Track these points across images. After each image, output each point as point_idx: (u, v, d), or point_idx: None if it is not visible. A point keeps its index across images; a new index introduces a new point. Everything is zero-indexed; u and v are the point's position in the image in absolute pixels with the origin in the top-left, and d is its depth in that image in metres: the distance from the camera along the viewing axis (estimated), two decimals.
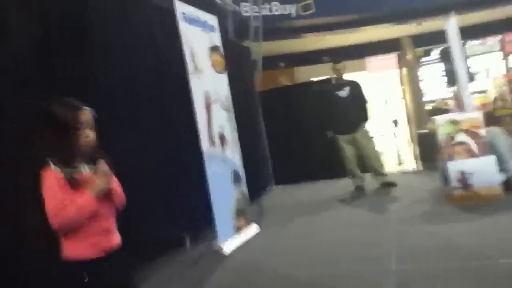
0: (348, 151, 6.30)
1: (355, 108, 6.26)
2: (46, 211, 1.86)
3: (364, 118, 6.36)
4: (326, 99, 6.58)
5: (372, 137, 6.42)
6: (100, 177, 1.94)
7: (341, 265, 3.41)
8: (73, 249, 1.93)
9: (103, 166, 1.97)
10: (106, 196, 1.99)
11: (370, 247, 3.69)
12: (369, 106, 6.49)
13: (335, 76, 6.50)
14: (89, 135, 1.98)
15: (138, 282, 3.51)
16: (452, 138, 4.81)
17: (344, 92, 6.31)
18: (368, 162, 6.35)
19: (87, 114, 1.99)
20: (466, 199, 4.56)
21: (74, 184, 1.92)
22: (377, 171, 6.33)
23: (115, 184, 2.07)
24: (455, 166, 4.70)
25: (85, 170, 1.99)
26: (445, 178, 4.90)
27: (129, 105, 4.27)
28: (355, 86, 6.37)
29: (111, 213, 2.06)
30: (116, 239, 2.06)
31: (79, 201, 1.88)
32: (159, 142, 4.67)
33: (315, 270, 3.41)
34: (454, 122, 4.86)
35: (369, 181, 6.42)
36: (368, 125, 6.47)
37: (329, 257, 3.64)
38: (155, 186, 4.49)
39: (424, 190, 5.65)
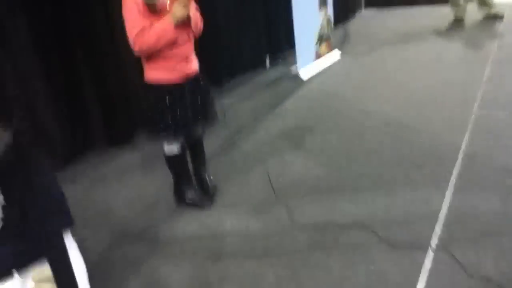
0: None
1: None
2: (127, 34, 1.92)
3: None
4: None
5: None
6: (179, 4, 1.91)
7: (421, 104, 3.32)
8: (153, 73, 2.05)
9: None
10: (184, 23, 1.98)
11: (456, 88, 3.50)
12: None
13: None
14: None
15: (219, 96, 3.77)
16: None
17: None
18: None
19: None
20: None
21: (154, 10, 1.92)
22: (486, 2, 5.60)
23: (194, 12, 2.04)
24: None
25: None
26: None
27: None
28: None
29: (190, 40, 2.08)
30: (194, 65, 2.13)
31: (158, 27, 1.91)
32: None
33: (390, 106, 3.36)
34: None
35: (473, 11, 5.76)
36: None
37: (409, 95, 3.53)
38: (241, 7, 4.41)
39: None
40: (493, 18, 5.63)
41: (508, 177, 2.21)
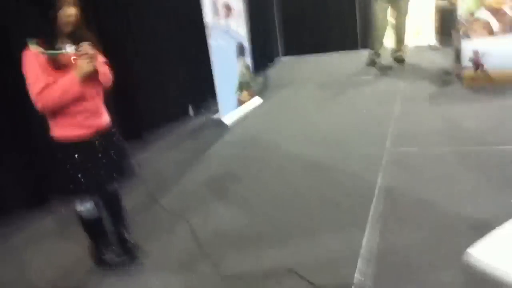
0: (383, 19, 5.87)
1: None
2: (29, 91, 1.83)
3: None
4: None
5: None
6: (83, 59, 1.86)
7: (337, 145, 3.46)
8: (60, 131, 1.95)
9: (86, 47, 1.87)
10: (91, 77, 1.93)
11: (369, 127, 3.69)
12: None
13: None
14: (70, 13, 1.84)
15: (139, 149, 3.68)
16: (472, 14, 4.48)
17: None
18: (395, 32, 6.01)
19: None
20: (477, 81, 4.42)
21: (58, 65, 1.86)
22: (400, 43, 6.03)
23: (101, 65, 1.99)
24: (470, 45, 4.46)
25: (68, 50, 1.90)
26: (458, 58, 4.70)
27: None
28: None
29: (98, 94, 2.02)
30: (103, 118, 2.06)
31: (63, 82, 1.84)
32: (164, 14, 4.47)
33: (309, 148, 3.46)
34: None
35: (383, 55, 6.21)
36: None
37: (327, 137, 3.67)
38: (161, 58, 4.43)
39: (436, 68, 5.47)
40: (398, 61, 6.09)
41: (423, 211, 2.31)
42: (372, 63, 6.18)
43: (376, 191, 2.57)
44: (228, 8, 4.64)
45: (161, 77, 4.44)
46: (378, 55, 6.16)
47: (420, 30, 9.40)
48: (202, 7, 4.13)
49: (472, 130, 3.29)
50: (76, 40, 1.91)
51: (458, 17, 4.59)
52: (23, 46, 1.84)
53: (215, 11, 4.37)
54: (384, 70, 5.84)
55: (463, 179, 2.58)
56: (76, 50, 1.89)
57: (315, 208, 2.51)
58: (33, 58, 1.82)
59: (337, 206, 2.49)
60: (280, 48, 8.07)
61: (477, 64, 4.41)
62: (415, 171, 2.78)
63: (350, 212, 2.40)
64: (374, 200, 2.48)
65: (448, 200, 2.36)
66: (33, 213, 2.88)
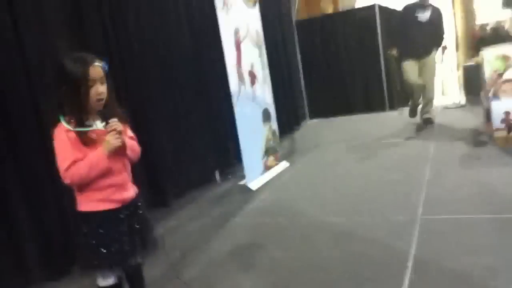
0: (414, 78, 5.90)
1: (431, 34, 5.81)
2: (58, 167, 1.87)
3: (437, 44, 6.01)
4: (405, 18, 5.96)
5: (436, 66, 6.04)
6: (111, 135, 1.91)
7: (367, 212, 3.35)
8: (86, 203, 1.95)
9: (115, 123, 1.92)
10: (119, 152, 1.96)
11: (400, 193, 3.59)
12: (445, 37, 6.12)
13: None
14: (100, 91, 1.91)
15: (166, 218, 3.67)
16: (500, 75, 4.45)
17: (424, 16, 5.78)
18: (424, 93, 6.02)
19: (98, 69, 1.89)
20: (510, 142, 4.30)
21: (87, 141, 1.89)
22: (428, 104, 6.03)
23: (129, 139, 2.03)
24: (500, 106, 4.39)
25: (98, 126, 1.95)
26: (488, 117, 4.61)
27: (157, 47, 4.20)
28: (437, 13, 5.88)
29: (125, 168, 2.04)
30: (130, 192, 2.06)
31: (91, 158, 1.87)
32: (189, 82, 4.63)
33: (337, 216, 3.35)
34: (504, 58, 4.46)
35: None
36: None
37: (355, 203, 3.57)
38: (187, 125, 4.53)
39: (466, 129, 5.37)
40: (427, 122, 6.04)
41: (462, 286, 2.16)
42: (413, 113, 6.21)
43: (409, 263, 2.44)
44: (253, 76, 4.77)
45: (188, 144, 4.52)
46: (417, 105, 6.16)
47: (446, 90, 9.41)
48: (227, 76, 4.26)
49: (509, 195, 3.15)
50: (106, 116, 1.97)
51: (486, 78, 4.57)
52: (55, 122, 1.91)
53: (241, 79, 4.50)
54: (420, 128, 5.85)
55: (502, 250, 2.43)
56: (105, 126, 1.95)
57: (344, 282, 2.39)
58: (63, 134, 1.87)
59: (368, 279, 2.36)
60: (306, 111, 8.18)
61: (509, 126, 4.31)
62: (450, 241, 2.64)
63: (383, 286, 2.27)
64: (407, 272, 2.34)
65: (488, 274, 2.21)
66: (53, 285, 2.85)
